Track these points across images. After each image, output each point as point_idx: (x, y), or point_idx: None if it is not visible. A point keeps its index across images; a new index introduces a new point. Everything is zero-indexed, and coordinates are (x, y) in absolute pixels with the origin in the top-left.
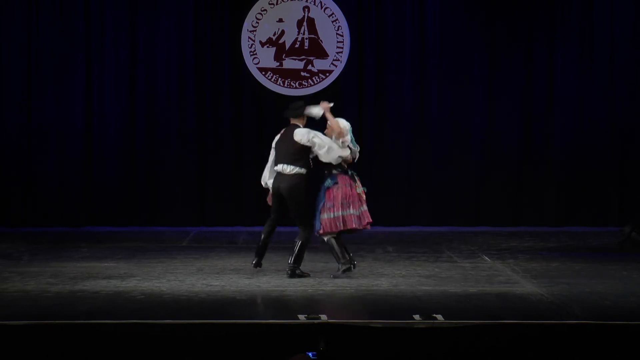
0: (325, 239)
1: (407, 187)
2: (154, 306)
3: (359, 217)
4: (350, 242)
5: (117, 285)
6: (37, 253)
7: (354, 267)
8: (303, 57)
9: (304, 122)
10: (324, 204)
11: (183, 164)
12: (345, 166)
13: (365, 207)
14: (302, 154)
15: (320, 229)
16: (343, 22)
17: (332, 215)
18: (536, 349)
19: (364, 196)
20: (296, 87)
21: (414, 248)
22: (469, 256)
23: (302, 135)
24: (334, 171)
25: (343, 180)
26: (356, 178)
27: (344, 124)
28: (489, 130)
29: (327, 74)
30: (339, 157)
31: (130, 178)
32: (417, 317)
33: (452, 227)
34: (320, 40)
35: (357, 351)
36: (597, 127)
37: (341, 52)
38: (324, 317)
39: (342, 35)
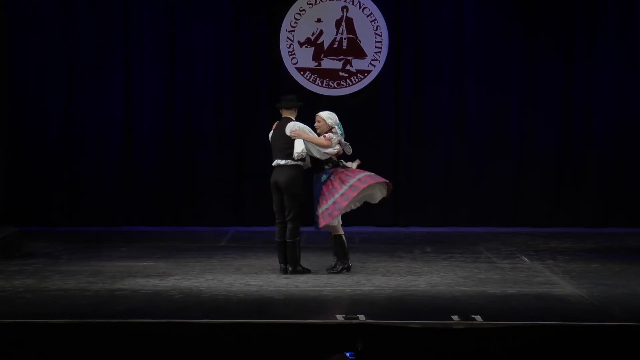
0: (334, 234)
1: (445, 188)
2: (192, 305)
3: (361, 180)
4: (387, 243)
5: (155, 284)
6: (76, 252)
7: (347, 270)
8: (341, 57)
9: (296, 114)
10: (319, 198)
11: (221, 164)
12: (335, 159)
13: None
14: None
15: (318, 224)
16: (381, 21)
17: (325, 206)
18: (575, 350)
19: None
20: (334, 87)
21: (452, 249)
22: (508, 257)
23: (292, 129)
24: (326, 167)
25: (336, 172)
26: (347, 164)
27: (332, 121)
28: (527, 130)
29: (366, 74)
30: (325, 153)
31: (168, 178)
32: (455, 317)
33: (489, 228)
34: (359, 40)
35: (394, 352)
36: (635, 128)
37: (380, 52)
38: (362, 318)
39: (381, 35)
